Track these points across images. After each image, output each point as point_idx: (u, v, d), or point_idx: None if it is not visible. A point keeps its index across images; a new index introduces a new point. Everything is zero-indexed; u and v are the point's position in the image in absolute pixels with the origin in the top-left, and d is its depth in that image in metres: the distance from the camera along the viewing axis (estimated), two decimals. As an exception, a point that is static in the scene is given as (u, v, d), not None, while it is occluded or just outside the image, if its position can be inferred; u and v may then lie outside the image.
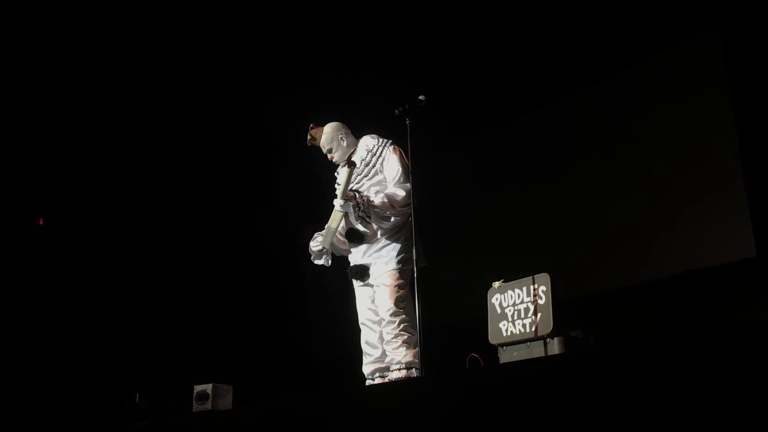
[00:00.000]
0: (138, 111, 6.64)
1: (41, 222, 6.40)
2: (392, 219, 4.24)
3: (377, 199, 4.22)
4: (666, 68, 5.87)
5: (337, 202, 4.23)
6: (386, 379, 4.21)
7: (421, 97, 4.06)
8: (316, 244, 4.41)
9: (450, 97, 6.14)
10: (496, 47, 6.24)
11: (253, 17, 6.22)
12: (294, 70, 6.50)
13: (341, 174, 4.60)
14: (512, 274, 3.68)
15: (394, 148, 4.42)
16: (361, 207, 4.18)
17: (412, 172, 4.22)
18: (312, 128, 4.51)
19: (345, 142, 4.50)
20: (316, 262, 4.51)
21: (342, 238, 4.42)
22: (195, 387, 4.41)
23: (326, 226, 4.33)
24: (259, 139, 6.95)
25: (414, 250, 3.92)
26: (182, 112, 6.76)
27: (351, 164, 4.21)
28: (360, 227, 4.25)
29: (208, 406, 4.28)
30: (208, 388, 4.33)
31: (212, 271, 7.15)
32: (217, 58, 6.49)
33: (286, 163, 6.96)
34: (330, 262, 4.50)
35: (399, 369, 4.11)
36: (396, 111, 4.07)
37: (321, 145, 4.52)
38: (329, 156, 4.54)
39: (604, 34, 5.86)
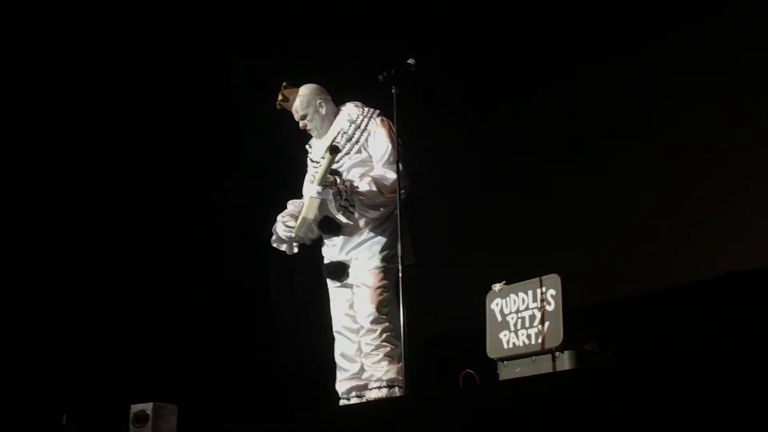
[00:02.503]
0: (74, 70, 6.57)
1: None
2: (380, 208, 4.23)
3: (362, 185, 4.20)
4: (699, 37, 5.88)
5: (314, 189, 4.19)
6: (364, 399, 4.21)
7: (410, 61, 4.05)
8: (286, 229, 4.38)
9: (447, 63, 6.12)
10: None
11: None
12: (256, 24, 6.46)
13: (314, 148, 4.58)
14: (516, 275, 3.68)
15: (381, 120, 4.40)
16: (344, 194, 4.15)
17: (402, 150, 4.20)
18: (285, 87, 4.47)
19: (324, 109, 4.48)
20: (278, 246, 4.49)
21: (314, 227, 4.40)
22: (132, 406, 4.39)
23: (301, 217, 4.30)
24: (216, 104, 6.88)
25: (399, 245, 3.91)
26: (128, 67, 6.68)
27: (333, 150, 4.17)
28: (342, 218, 4.22)
29: (148, 429, 4.27)
30: (147, 407, 4.32)
31: (155, 266, 7.09)
32: (172, 6, 6.43)
33: (249, 134, 6.92)
34: (295, 251, 4.49)
35: (379, 387, 4.12)
36: (380, 77, 4.06)
37: (294, 110, 4.49)
38: (302, 124, 4.51)
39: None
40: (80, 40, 6.42)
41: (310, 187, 4.29)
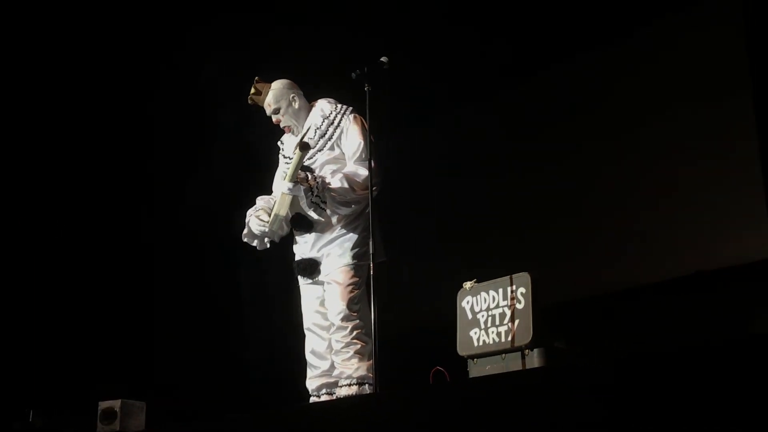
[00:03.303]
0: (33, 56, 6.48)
1: None
2: (352, 205, 4.24)
3: (334, 181, 4.21)
4: (667, 38, 5.94)
5: (285, 185, 4.19)
6: (334, 396, 4.21)
7: (383, 59, 4.06)
8: (260, 224, 4.37)
9: (421, 61, 6.13)
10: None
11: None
12: (227, 19, 6.41)
13: (286, 145, 4.57)
14: (487, 273, 3.71)
15: (354, 117, 4.41)
16: (315, 191, 4.16)
17: (374, 147, 4.22)
18: (257, 82, 4.47)
19: (297, 104, 4.48)
20: (249, 241, 4.49)
21: (284, 224, 4.40)
22: (100, 403, 4.37)
23: (272, 213, 4.30)
24: (184, 97, 6.82)
25: (371, 242, 3.92)
26: (88, 57, 6.59)
27: (304, 146, 4.17)
28: (313, 215, 4.23)
29: (116, 426, 4.26)
30: (116, 404, 4.30)
31: (123, 261, 7.04)
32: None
33: (217, 128, 6.87)
34: (266, 246, 4.49)
35: (349, 384, 4.13)
36: (353, 74, 4.07)
37: (266, 104, 4.48)
38: (275, 118, 4.51)
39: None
40: (38, 36, 6.34)
41: (282, 183, 4.29)
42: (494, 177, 6.71)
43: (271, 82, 4.51)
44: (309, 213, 4.24)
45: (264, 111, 4.53)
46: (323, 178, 4.22)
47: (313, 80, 4.72)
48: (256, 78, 4.48)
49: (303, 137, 4.36)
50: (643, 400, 2.33)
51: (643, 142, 5.93)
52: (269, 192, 4.66)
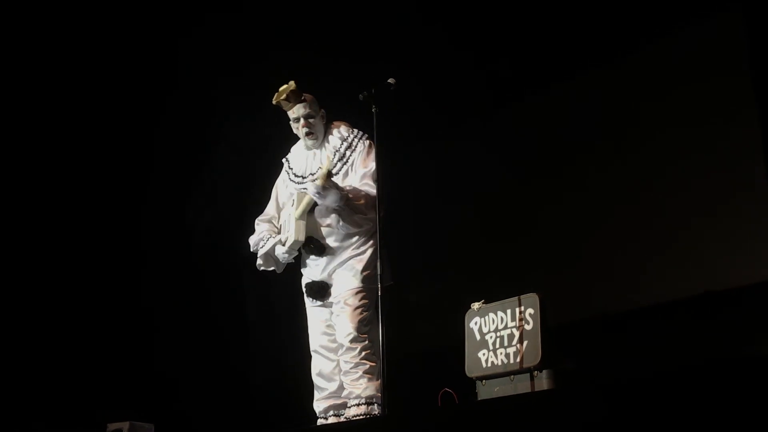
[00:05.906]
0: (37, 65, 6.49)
1: None
2: (361, 225, 4.28)
3: (355, 193, 4.26)
4: (670, 57, 5.95)
5: (313, 186, 4.16)
6: (342, 418, 4.21)
7: (390, 80, 4.07)
8: (283, 251, 4.39)
9: (426, 82, 6.16)
10: (481, 19, 6.25)
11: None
12: (233, 33, 6.44)
13: (294, 161, 4.58)
14: (495, 293, 3.71)
15: (370, 144, 4.44)
16: (345, 198, 4.19)
17: (381, 170, 4.24)
18: (295, 85, 4.42)
19: (324, 120, 4.53)
20: (267, 267, 4.52)
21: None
22: (108, 425, 4.38)
23: (293, 239, 4.29)
24: (189, 112, 6.83)
25: (379, 265, 3.93)
26: (95, 66, 6.61)
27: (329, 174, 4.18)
28: (332, 222, 4.25)
29: (125, 448, 4.26)
30: (124, 426, 4.30)
31: (128, 280, 7.03)
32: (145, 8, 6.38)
33: (223, 141, 6.89)
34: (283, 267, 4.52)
35: (358, 404, 4.13)
36: (360, 96, 4.09)
37: (302, 107, 4.42)
38: (306, 122, 4.45)
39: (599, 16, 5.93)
40: (45, 38, 6.33)
41: (308, 184, 4.29)
42: (501, 197, 6.72)
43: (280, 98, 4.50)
44: (326, 221, 4.27)
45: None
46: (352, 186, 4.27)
47: (321, 101, 4.73)
48: (294, 81, 4.42)
49: (329, 164, 4.31)
50: (653, 421, 2.33)
51: (651, 161, 5.94)
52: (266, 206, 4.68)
